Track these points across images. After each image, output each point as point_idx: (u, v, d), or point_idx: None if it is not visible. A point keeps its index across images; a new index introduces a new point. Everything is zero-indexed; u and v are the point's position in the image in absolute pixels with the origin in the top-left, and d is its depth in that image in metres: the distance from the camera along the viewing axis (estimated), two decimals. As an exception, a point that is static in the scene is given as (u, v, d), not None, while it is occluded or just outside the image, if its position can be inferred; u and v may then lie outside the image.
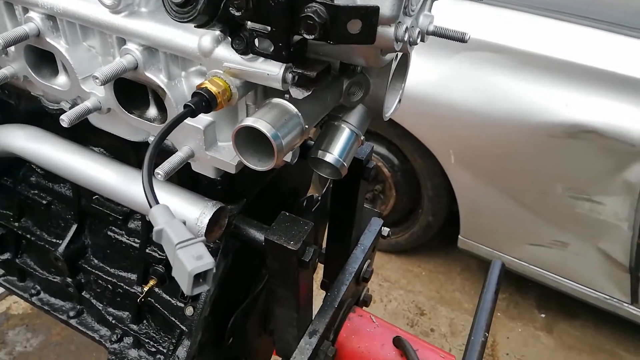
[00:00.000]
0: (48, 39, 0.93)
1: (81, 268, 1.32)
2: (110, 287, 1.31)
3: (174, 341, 1.23)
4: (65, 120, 0.88)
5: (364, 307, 1.40)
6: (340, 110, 0.94)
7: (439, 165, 2.69)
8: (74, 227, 1.29)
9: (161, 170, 0.84)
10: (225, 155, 0.90)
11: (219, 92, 0.77)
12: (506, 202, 2.64)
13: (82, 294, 1.35)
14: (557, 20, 2.38)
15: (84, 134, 1.12)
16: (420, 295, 3.04)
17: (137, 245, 1.22)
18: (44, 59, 1.01)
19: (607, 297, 2.57)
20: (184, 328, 1.18)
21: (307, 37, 0.64)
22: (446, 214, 2.94)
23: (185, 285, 0.54)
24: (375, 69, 0.89)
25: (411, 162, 2.86)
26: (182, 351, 1.08)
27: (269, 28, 0.67)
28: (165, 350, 1.25)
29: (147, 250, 1.21)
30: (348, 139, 0.94)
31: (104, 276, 1.29)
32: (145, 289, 1.14)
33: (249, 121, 0.74)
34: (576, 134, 2.27)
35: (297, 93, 0.70)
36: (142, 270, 1.24)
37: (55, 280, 1.38)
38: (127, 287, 1.26)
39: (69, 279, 1.33)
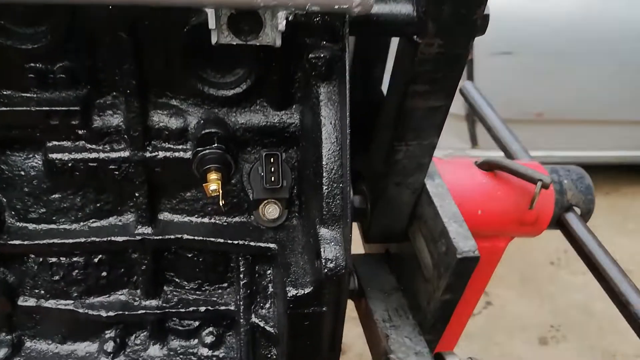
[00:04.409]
0: None
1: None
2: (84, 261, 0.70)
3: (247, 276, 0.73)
4: None
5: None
6: None
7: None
8: None
9: None
10: None
11: None
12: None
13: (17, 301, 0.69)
14: None
15: None
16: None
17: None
18: None
19: (452, 150, 2.80)
20: (271, 246, 0.70)
21: None
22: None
23: None
24: None
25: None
26: (331, 251, 0.61)
27: None
28: (234, 304, 0.74)
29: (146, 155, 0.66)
30: None
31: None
32: (213, 187, 0.61)
33: None
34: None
35: None
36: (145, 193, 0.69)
37: None
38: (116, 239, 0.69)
39: None
